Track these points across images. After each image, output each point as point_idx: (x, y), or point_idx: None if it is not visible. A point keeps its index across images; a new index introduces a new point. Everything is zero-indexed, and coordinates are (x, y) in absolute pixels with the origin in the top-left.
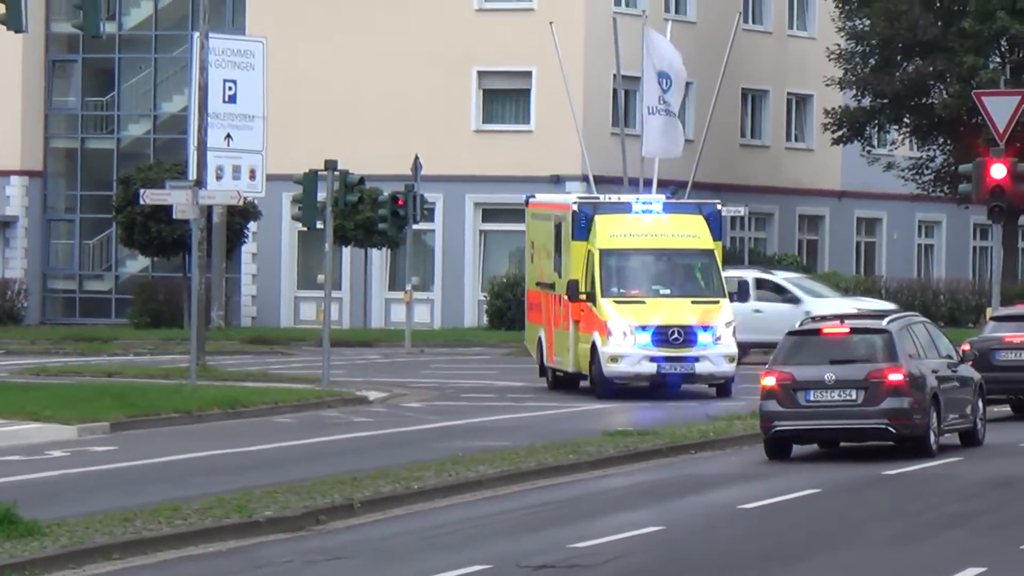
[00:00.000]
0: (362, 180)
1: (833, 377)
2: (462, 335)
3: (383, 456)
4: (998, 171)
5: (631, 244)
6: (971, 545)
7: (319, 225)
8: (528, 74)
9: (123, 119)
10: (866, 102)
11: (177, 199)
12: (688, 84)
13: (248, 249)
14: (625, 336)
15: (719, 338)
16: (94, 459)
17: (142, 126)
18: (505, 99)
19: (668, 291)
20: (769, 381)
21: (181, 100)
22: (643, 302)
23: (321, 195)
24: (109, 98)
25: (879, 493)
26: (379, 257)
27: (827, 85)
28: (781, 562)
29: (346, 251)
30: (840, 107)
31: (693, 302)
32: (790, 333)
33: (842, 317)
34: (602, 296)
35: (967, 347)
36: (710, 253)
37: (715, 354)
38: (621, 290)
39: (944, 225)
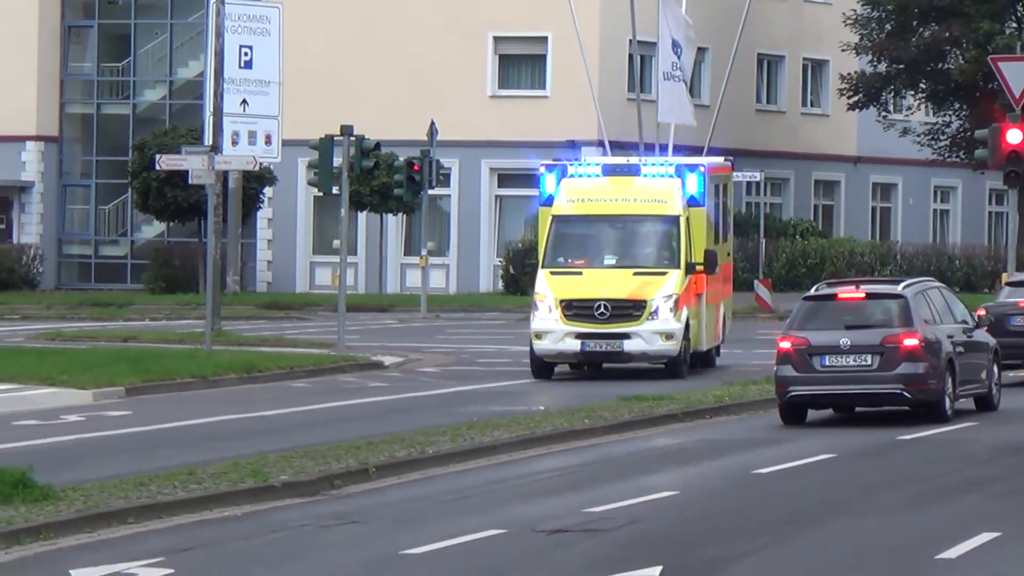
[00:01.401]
0: (378, 145)
1: (848, 342)
2: (477, 300)
3: (398, 421)
4: (1014, 136)
5: (586, 210)
6: (986, 510)
7: (335, 190)
8: (544, 39)
9: (139, 84)
10: (882, 68)
11: (193, 164)
12: (704, 49)
13: (263, 214)
14: (550, 311)
15: (654, 313)
16: (109, 424)
17: (158, 91)
18: (521, 64)
19: (614, 261)
20: (784, 346)
21: (197, 65)
22: (580, 273)
23: (337, 160)
24: (125, 63)
25: (894, 458)
26: (395, 222)
27: (843, 50)
28: (796, 526)
29: (362, 216)
30: (856, 72)
31: (636, 273)
32: (805, 298)
33: (857, 282)
34: (542, 267)
35: (982, 312)
36: (674, 220)
37: (648, 331)
38: (568, 260)
39: (960, 190)
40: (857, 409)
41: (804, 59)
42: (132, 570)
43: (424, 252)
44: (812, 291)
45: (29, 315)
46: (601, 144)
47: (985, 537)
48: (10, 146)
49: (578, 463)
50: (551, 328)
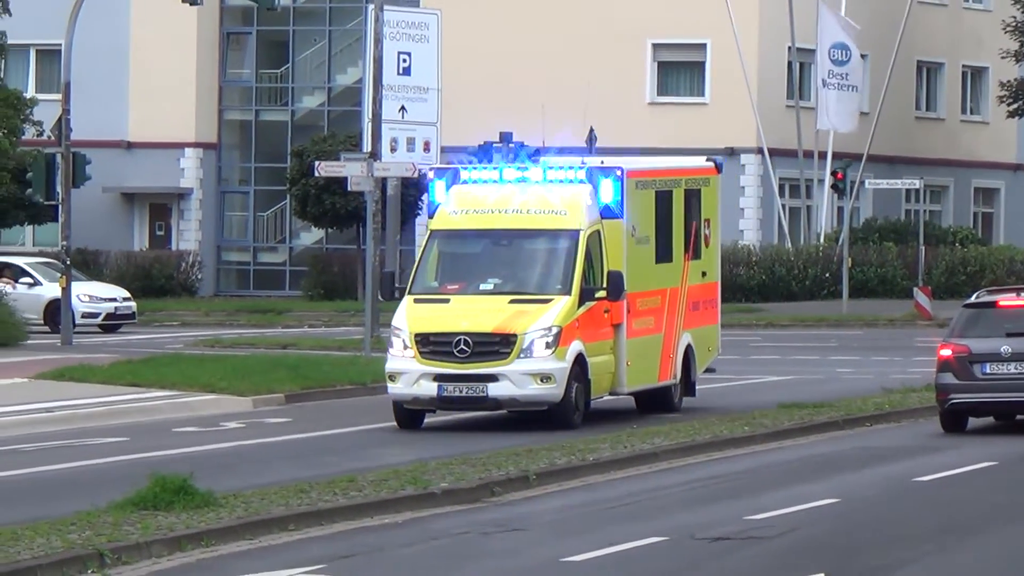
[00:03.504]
0: (537, 152)
1: (1009, 350)
2: None
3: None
4: None
5: (468, 223)
6: None
7: None
8: (703, 46)
9: (297, 91)
10: None
11: (352, 171)
12: (863, 56)
13: (422, 221)
14: (405, 348)
15: (527, 350)
16: (269, 431)
17: (316, 98)
18: (680, 71)
19: (492, 286)
20: (945, 353)
21: (355, 72)
22: (447, 301)
23: None
24: (283, 70)
25: None
26: None
27: (1003, 57)
28: (957, 535)
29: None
30: (1016, 80)
31: (512, 300)
32: (966, 305)
33: (1018, 290)
34: (409, 292)
35: None
36: (572, 235)
37: (517, 372)
38: (443, 284)
39: None
40: (1019, 417)
41: (963, 66)
42: None
43: None
44: (973, 299)
45: (188, 322)
46: (760, 151)
47: None
48: (169, 153)
49: (738, 470)
50: (404, 368)
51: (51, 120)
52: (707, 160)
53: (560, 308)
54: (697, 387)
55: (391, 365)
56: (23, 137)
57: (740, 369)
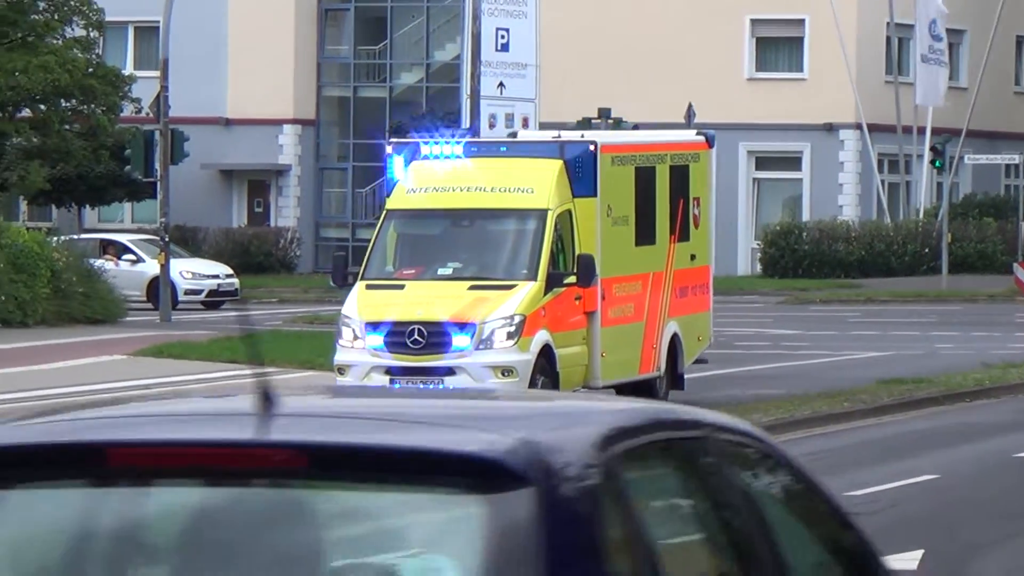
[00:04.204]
0: (635, 128)
1: None
2: (736, 283)
3: None
4: None
5: (427, 203)
6: None
7: None
8: (801, 22)
9: (395, 67)
10: None
11: None
12: (961, 32)
13: None
14: (355, 338)
15: (486, 340)
16: None
17: (414, 74)
18: (778, 47)
19: (451, 270)
20: None
21: (453, 48)
22: (401, 287)
23: None
24: (381, 47)
25: None
26: None
27: None
28: None
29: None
30: None
31: (472, 287)
32: None
33: None
34: (362, 277)
35: None
36: (540, 215)
37: (476, 365)
38: (398, 269)
39: None
40: None
41: None
42: None
43: None
44: None
45: (287, 298)
46: (859, 127)
47: None
48: (267, 129)
49: (838, 446)
50: (354, 361)
51: (149, 97)
52: (697, 134)
53: (524, 295)
54: (791, 363)
55: (340, 357)
56: (122, 114)
57: (839, 345)
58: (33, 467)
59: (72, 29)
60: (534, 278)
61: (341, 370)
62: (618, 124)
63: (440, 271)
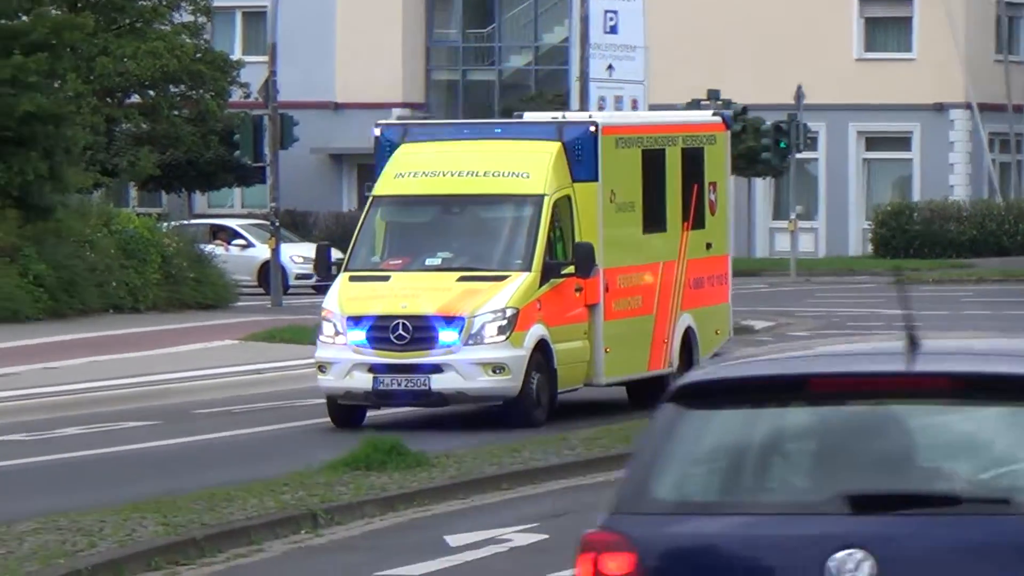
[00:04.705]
0: (745, 110)
1: None
2: (847, 264)
3: None
4: None
5: (415, 188)
6: None
7: None
8: (909, 2)
9: (504, 51)
10: None
11: None
12: None
13: None
14: (337, 333)
15: (476, 335)
16: None
17: (523, 57)
18: (887, 27)
19: (439, 261)
20: None
21: (562, 31)
22: (386, 278)
23: None
24: (490, 30)
25: None
26: (762, 186)
27: None
28: None
29: (729, 180)
30: None
31: (461, 278)
32: None
33: None
34: (345, 268)
35: None
36: (536, 201)
37: (465, 361)
38: (384, 259)
39: None
40: None
41: None
42: (507, 535)
43: (793, 216)
44: None
45: None
46: (969, 106)
47: None
48: (376, 114)
49: None
50: (335, 357)
51: (258, 82)
52: (713, 115)
53: (517, 286)
54: None
55: (320, 353)
56: (230, 99)
57: (951, 325)
58: (749, 393)
59: (180, 15)
60: (529, 268)
61: (322, 367)
62: (727, 105)
63: (428, 261)
